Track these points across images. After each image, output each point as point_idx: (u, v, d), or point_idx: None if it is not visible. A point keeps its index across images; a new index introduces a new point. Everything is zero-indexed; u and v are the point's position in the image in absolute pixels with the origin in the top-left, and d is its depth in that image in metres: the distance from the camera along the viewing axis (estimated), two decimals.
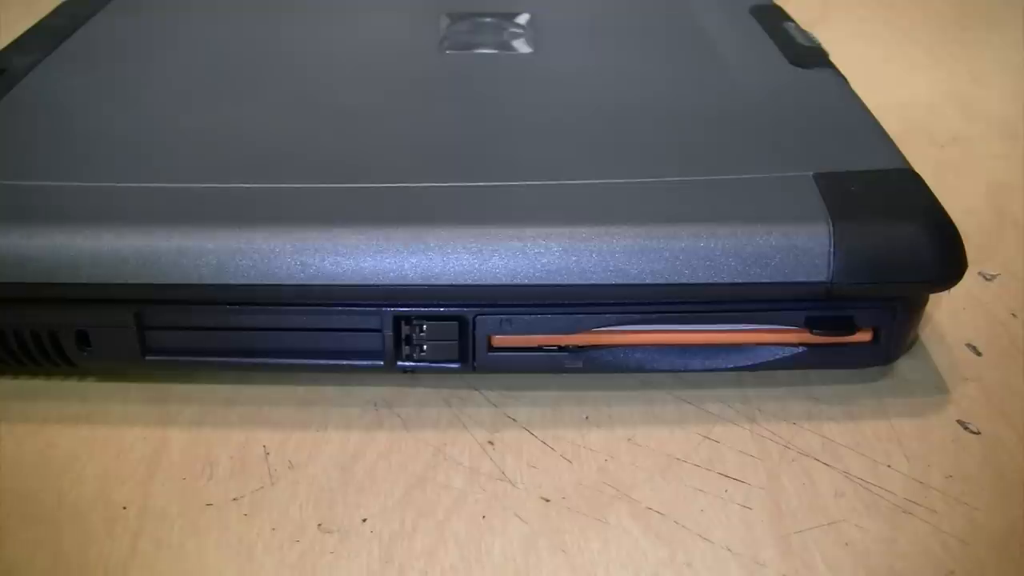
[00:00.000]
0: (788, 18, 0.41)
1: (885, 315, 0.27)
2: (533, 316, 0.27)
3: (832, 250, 0.26)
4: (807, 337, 0.28)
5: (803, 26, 0.40)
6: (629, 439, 0.27)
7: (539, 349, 0.28)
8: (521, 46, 0.39)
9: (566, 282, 0.26)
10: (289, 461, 0.26)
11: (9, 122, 0.32)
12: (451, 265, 0.26)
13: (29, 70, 0.35)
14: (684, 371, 0.28)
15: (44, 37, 0.38)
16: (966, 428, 0.28)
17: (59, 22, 0.40)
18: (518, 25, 0.41)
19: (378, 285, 0.26)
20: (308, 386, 0.29)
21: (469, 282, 0.26)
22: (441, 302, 0.27)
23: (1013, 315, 0.33)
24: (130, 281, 0.26)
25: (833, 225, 0.26)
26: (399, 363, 0.28)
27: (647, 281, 0.26)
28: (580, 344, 0.28)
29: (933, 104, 0.49)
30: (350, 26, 0.41)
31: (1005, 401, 0.29)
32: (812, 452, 0.27)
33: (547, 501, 0.25)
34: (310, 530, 0.24)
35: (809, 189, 0.27)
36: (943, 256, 0.26)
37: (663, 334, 0.28)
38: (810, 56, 0.37)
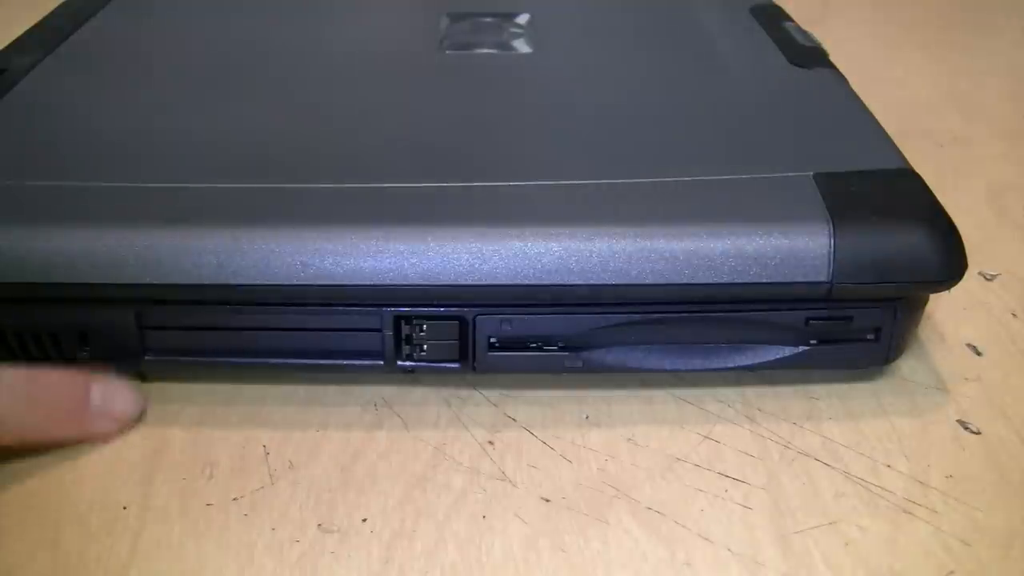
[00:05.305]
0: (788, 18, 0.41)
1: (885, 315, 0.27)
2: (533, 316, 0.27)
3: (832, 251, 0.26)
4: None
5: (803, 26, 0.40)
6: (629, 439, 0.27)
7: (539, 349, 0.28)
8: (521, 46, 0.39)
9: (566, 282, 0.26)
10: (289, 461, 0.26)
11: (9, 122, 0.32)
12: (451, 265, 0.26)
13: (29, 70, 0.35)
14: (684, 371, 0.28)
15: (44, 37, 0.38)
16: (966, 428, 0.28)
17: (59, 22, 0.40)
18: (518, 25, 0.41)
19: (378, 285, 0.26)
20: (308, 386, 0.29)
21: (469, 282, 0.26)
22: (441, 302, 0.27)
23: (1013, 315, 0.33)
24: (130, 281, 0.26)
25: (833, 225, 0.26)
26: (399, 363, 0.28)
27: (647, 281, 0.26)
28: (580, 344, 0.28)
29: (933, 104, 0.49)
30: (350, 26, 0.41)
31: (1005, 401, 0.29)
32: (812, 452, 0.27)
33: (547, 501, 0.25)
34: (310, 530, 0.24)
35: (809, 189, 0.27)
36: (943, 256, 0.26)
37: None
38: (810, 56, 0.37)
